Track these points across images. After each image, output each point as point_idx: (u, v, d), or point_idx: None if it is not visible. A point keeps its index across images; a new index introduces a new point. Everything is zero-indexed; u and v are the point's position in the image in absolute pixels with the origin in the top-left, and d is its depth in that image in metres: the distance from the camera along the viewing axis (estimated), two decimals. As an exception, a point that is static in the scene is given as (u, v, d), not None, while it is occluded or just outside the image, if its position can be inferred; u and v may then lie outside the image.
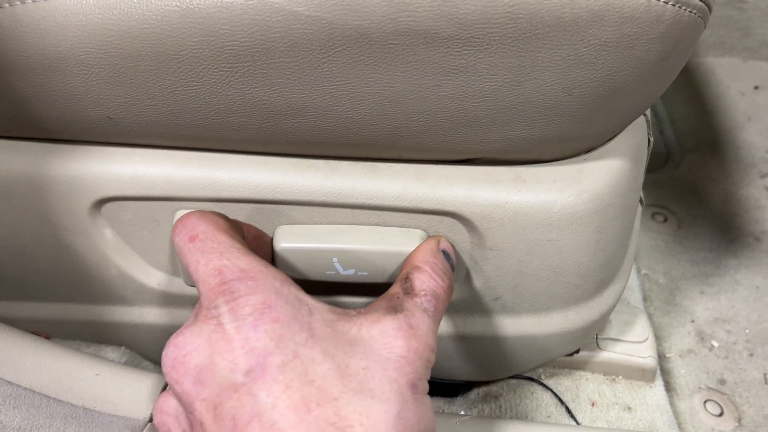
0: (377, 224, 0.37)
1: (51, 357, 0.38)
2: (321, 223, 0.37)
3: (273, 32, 0.30)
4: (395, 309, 0.30)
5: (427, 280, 0.32)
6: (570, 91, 0.32)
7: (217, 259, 0.29)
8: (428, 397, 0.28)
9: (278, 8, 0.30)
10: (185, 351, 0.27)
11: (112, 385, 0.38)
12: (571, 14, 0.29)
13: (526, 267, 0.38)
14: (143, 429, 0.35)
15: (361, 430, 0.24)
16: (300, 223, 0.37)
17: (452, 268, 0.34)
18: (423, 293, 0.31)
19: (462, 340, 0.42)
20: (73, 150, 0.37)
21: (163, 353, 0.28)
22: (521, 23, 0.29)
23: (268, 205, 0.37)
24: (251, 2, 0.30)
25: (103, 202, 0.38)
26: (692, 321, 0.62)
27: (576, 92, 0.32)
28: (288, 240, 0.36)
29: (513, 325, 0.41)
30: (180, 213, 0.37)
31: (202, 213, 0.32)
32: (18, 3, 0.32)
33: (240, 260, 0.29)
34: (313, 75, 0.31)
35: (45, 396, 0.35)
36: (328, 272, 0.36)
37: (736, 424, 0.54)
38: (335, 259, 0.36)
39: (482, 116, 0.33)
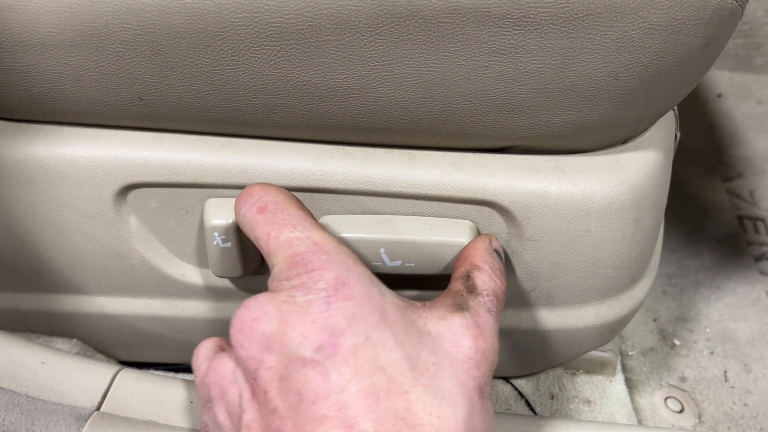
0: (414, 213, 0.36)
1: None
2: (356, 212, 0.36)
3: (321, 9, 0.29)
4: (461, 307, 0.29)
5: (488, 280, 0.31)
6: (616, 75, 0.31)
7: (289, 230, 0.28)
8: (490, 402, 0.27)
9: (327, -15, 0.29)
10: (255, 315, 0.26)
11: (57, 374, 0.37)
12: (623, -5, 0.28)
13: (563, 258, 0.37)
14: (89, 417, 0.34)
15: (431, 430, 0.23)
16: (335, 213, 0.36)
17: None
18: (486, 293, 0.30)
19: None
20: (98, 134, 0.36)
21: (234, 315, 0.27)
22: (574, 4, 0.29)
23: (303, 193, 0.36)
24: (298, -23, 0.29)
25: (129, 188, 0.37)
26: (654, 320, 0.63)
27: (621, 77, 0.31)
28: (333, 230, 0.35)
29: (547, 318, 0.40)
30: (211, 201, 0.36)
31: (268, 185, 0.32)
32: (52, -22, 0.31)
33: (313, 233, 0.28)
34: (358, 54, 0.31)
35: None
36: (374, 263, 0.35)
37: (697, 420, 0.55)
38: (382, 250, 0.35)
39: (526, 100, 0.32)
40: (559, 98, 0.32)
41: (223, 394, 0.27)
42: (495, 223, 0.36)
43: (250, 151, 0.36)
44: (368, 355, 0.24)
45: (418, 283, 0.39)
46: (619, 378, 0.54)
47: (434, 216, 0.36)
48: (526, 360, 0.44)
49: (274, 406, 0.24)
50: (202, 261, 0.40)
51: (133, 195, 0.37)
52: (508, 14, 0.29)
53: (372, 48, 0.30)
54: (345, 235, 0.35)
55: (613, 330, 0.42)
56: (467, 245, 0.34)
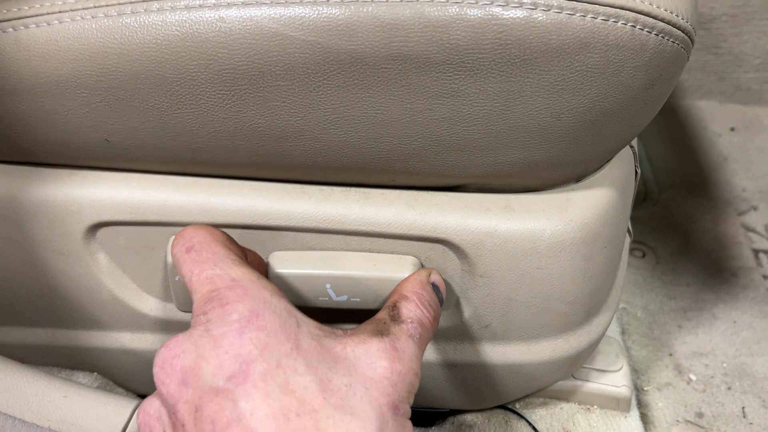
0: (369, 250, 0.37)
1: (17, 378, 0.38)
2: (314, 249, 0.37)
3: (270, 56, 0.31)
4: (381, 332, 0.30)
5: (414, 309, 0.32)
6: (558, 116, 0.33)
7: (209, 268, 0.29)
8: (409, 421, 0.28)
9: (275, 33, 0.31)
10: (174, 353, 0.27)
11: (79, 408, 0.38)
12: (558, 41, 0.30)
13: (516, 294, 0.38)
14: None
15: None
16: (293, 249, 0.38)
17: (441, 302, 0.35)
18: (410, 321, 0.31)
19: (451, 368, 0.42)
20: (69, 174, 0.38)
21: (156, 355, 0.28)
22: (510, 49, 0.30)
23: (262, 231, 0.37)
24: (249, 27, 0.31)
25: (98, 226, 0.38)
26: (670, 355, 0.62)
27: (564, 117, 0.33)
28: (282, 266, 0.36)
29: (502, 353, 0.41)
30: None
31: (200, 225, 0.33)
32: (22, 28, 0.33)
33: (232, 270, 0.29)
34: (308, 98, 0.32)
35: (10, 416, 0.35)
36: (321, 298, 0.36)
37: (714, 457, 0.54)
38: (328, 285, 0.36)
39: (473, 140, 0.33)
40: (504, 138, 0.33)
41: None
42: (448, 259, 0.37)
43: (212, 190, 0.37)
44: (279, 381, 0.25)
45: (366, 316, 0.40)
46: (635, 414, 0.53)
47: (390, 252, 0.37)
48: (483, 395, 0.45)
49: None
50: (167, 296, 0.41)
51: (101, 233, 0.38)
52: (447, 60, 0.30)
53: (320, 92, 0.32)
54: (292, 270, 0.36)
55: (571, 364, 0.43)
56: (404, 278, 0.35)
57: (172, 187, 0.37)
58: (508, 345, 0.40)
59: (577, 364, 0.44)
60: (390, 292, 0.35)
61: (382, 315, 0.32)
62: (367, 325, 0.31)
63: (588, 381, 0.50)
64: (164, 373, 0.27)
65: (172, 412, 0.27)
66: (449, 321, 0.39)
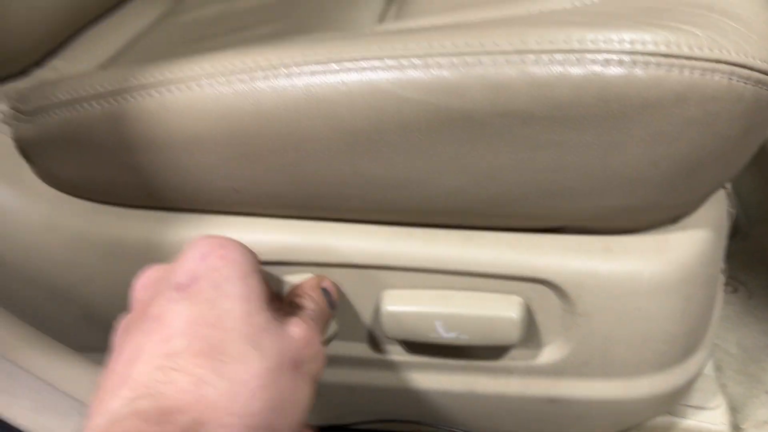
0: (472, 289, 0.40)
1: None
2: (421, 287, 0.40)
3: (386, 114, 0.34)
4: (292, 315, 0.34)
5: (311, 303, 0.36)
6: (656, 164, 0.34)
7: None
8: (308, 384, 0.31)
9: (391, 94, 0.34)
10: (151, 270, 0.34)
11: None
12: (656, 95, 0.32)
13: (615, 333, 0.39)
14: None
15: (232, 365, 0.27)
16: (402, 287, 0.40)
17: (332, 305, 0.38)
18: (310, 309, 0.36)
19: (551, 402, 0.43)
20: (199, 219, 0.42)
21: None
22: (610, 104, 0.32)
23: (373, 270, 0.40)
24: (367, 89, 0.34)
25: (222, 266, 0.42)
26: (767, 392, 0.61)
27: (661, 165, 0.34)
28: (394, 303, 0.39)
29: (601, 390, 0.42)
30: (289, 277, 0.41)
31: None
32: (165, 91, 0.37)
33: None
34: (419, 150, 0.35)
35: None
36: (431, 334, 0.39)
37: (812, 496, 0.52)
38: (438, 323, 0.38)
39: (573, 186, 0.35)
40: (603, 185, 0.35)
41: None
42: (549, 299, 0.39)
43: (327, 233, 0.40)
44: (210, 297, 0.30)
45: (473, 352, 0.42)
46: (731, 452, 0.52)
47: (492, 291, 0.39)
48: (583, 429, 0.46)
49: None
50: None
51: (226, 271, 0.42)
52: (550, 115, 0.33)
53: (431, 145, 0.35)
54: (404, 308, 0.39)
55: (668, 401, 0.43)
56: (300, 283, 0.39)
57: (291, 230, 0.41)
58: (607, 381, 0.42)
59: (675, 401, 0.44)
60: (497, 330, 0.38)
61: (286, 307, 0.35)
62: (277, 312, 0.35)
63: (685, 418, 0.50)
64: (137, 282, 0.33)
65: (129, 315, 0.32)
66: (549, 357, 0.41)
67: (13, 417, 0.33)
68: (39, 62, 0.62)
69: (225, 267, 0.31)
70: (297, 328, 0.32)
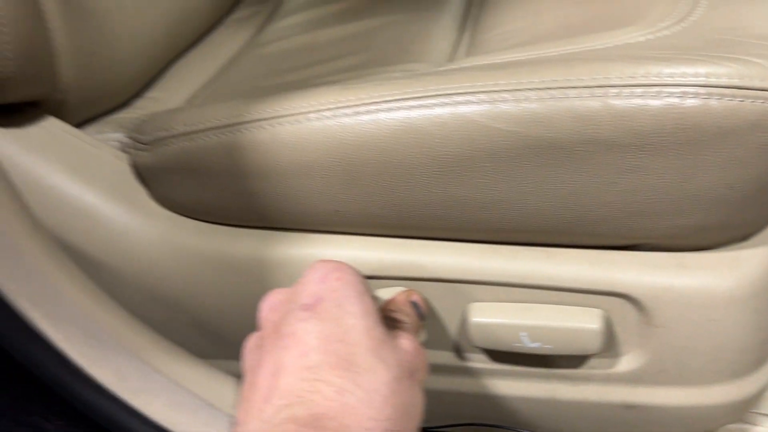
0: (554, 303, 0.43)
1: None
2: (505, 301, 0.43)
3: (477, 144, 0.38)
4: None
5: (406, 318, 0.39)
6: (731, 186, 0.37)
7: None
8: (421, 391, 0.34)
9: (483, 125, 0.38)
10: (275, 293, 0.38)
11: None
12: (731, 124, 0.35)
13: (690, 343, 0.42)
14: None
15: (364, 375, 0.31)
16: (486, 300, 0.44)
17: (422, 316, 0.41)
18: (407, 324, 0.39)
19: (628, 408, 0.46)
20: (301, 237, 0.46)
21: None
22: (688, 133, 0.35)
23: (460, 284, 0.44)
24: (461, 121, 0.38)
25: (322, 280, 0.46)
26: None
27: (736, 187, 0.37)
28: (481, 315, 0.43)
29: (676, 396, 0.44)
30: (382, 291, 0.45)
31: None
32: (277, 125, 0.41)
33: None
34: (507, 175, 0.39)
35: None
36: (515, 344, 0.42)
37: None
38: (523, 334, 0.42)
39: (652, 208, 0.38)
40: (680, 206, 0.38)
41: None
42: (627, 311, 0.42)
43: (418, 250, 0.44)
44: (335, 315, 0.33)
45: (555, 361, 0.45)
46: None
47: (572, 304, 0.43)
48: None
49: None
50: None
51: (324, 285, 0.46)
52: (632, 143, 0.36)
53: (519, 170, 0.38)
54: (490, 320, 0.42)
55: (741, 409, 0.45)
56: (391, 298, 0.42)
57: (385, 247, 0.45)
58: (682, 389, 0.44)
59: (746, 409, 0.46)
60: (579, 340, 0.41)
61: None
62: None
63: (756, 425, 0.52)
64: (264, 305, 0.37)
65: (260, 333, 0.35)
66: (627, 365, 0.44)
67: (152, 414, 0.38)
68: (138, 93, 0.68)
69: (343, 287, 0.35)
70: (405, 340, 0.35)
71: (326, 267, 0.36)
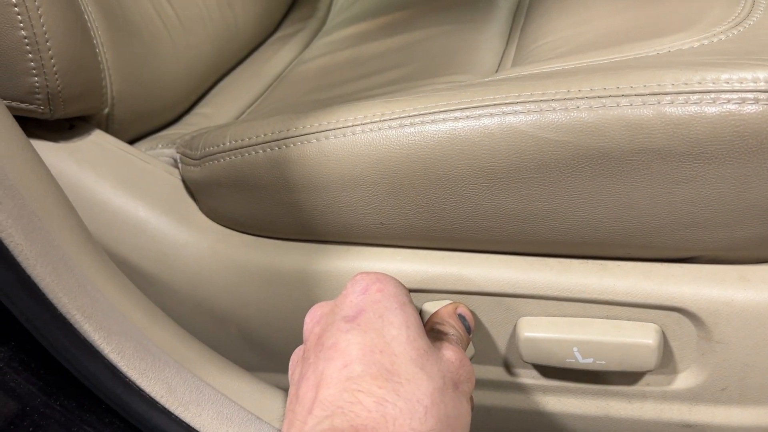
0: (607, 317, 0.41)
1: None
2: (555, 315, 0.42)
3: (526, 154, 0.37)
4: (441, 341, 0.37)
5: (451, 329, 0.39)
6: (794, 195, 0.35)
7: None
8: (467, 402, 0.34)
9: (531, 136, 0.37)
10: (318, 306, 0.38)
11: None
12: (793, 130, 0.33)
13: (753, 360, 0.40)
14: None
15: (406, 385, 0.30)
16: (536, 314, 0.43)
17: (469, 330, 0.41)
18: (452, 335, 0.38)
19: (686, 427, 0.44)
20: (347, 250, 0.46)
21: None
22: (747, 140, 0.34)
23: (508, 298, 0.43)
24: (508, 132, 0.37)
25: (368, 293, 0.46)
26: None
27: (799, 196, 0.35)
28: (531, 330, 0.42)
29: (738, 416, 0.42)
30: (427, 304, 0.44)
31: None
32: (323, 138, 0.42)
33: None
34: (556, 186, 0.38)
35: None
36: (568, 360, 0.41)
37: None
38: (575, 349, 0.40)
39: (709, 218, 0.37)
40: (739, 217, 0.37)
41: None
42: (684, 326, 0.40)
43: (465, 263, 0.43)
44: (377, 327, 0.33)
45: (609, 377, 0.43)
46: None
47: (626, 319, 0.41)
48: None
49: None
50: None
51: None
52: (687, 152, 0.35)
53: (568, 181, 0.37)
54: (541, 334, 0.41)
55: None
56: (437, 311, 0.41)
57: (431, 260, 0.44)
58: (744, 408, 0.42)
59: (815, 431, 0.44)
60: (634, 356, 0.39)
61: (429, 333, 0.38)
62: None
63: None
64: (308, 318, 0.37)
65: (304, 346, 0.35)
66: (685, 383, 0.42)
67: (200, 426, 0.38)
68: (189, 109, 0.69)
69: (384, 298, 0.35)
70: (449, 351, 0.35)
71: (367, 279, 0.36)
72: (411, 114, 0.40)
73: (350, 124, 0.41)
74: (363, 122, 0.41)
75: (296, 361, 0.36)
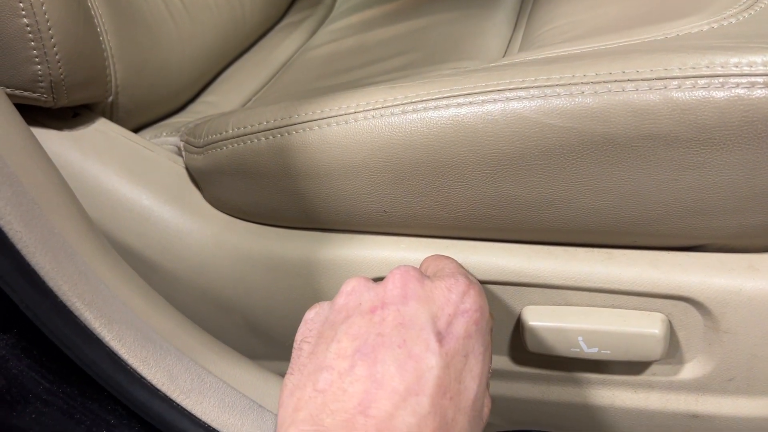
0: (613, 306, 0.41)
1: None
2: (560, 304, 0.42)
3: (530, 141, 0.37)
4: None
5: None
6: (804, 183, 0.34)
7: None
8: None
9: (535, 122, 0.36)
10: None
11: None
12: (804, 115, 0.32)
13: (761, 351, 0.39)
14: None
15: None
16: (541, 303, 0.42)
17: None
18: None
19: (692, 418, 0.43)
20: (350, 238, 0.46)
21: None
22: (756, 125, 0.33)
23: (512, 287, 0.42)
24: (512, 118, 0.37)
25: (372, 282, 0.46)
26: None
27: (810, 184, 0.34)
28: (535, 319, 0.41)
29: (745, 407, 0.42)
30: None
31: None
32: (325, 126, 0.41)
33: None
34: (561, 173, 0.37)
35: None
36: (573, 349, 0.40)
37: None
38: (580, 338, 0.40)
39: (717, 205, 0.36)
40: (747, 204, 0.36)
41: None
42: (691, 315, 0.40)
43: (469, 251, 0.43)
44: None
45: (612, 367, 0.43)
46: None
47: (632, 308, 0.41)
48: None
49: None
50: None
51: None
52: (694, 137, 0.34)
53: (574, 168, 0.37)
54: (546, 323, 0.41)
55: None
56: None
57: (434, 248, 0.44)
58: (752, 399, 0.41)
59: (824, 422, 0.43)
60: (639, 346, 0.39)
61: None
62: None
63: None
64: (398, 270, 0.33)
65: (348, 300, 0.33)
66: (692, 373, 0.42)
67: (202, 414, 0.38)
68: (194, 98, 0.69)
69: (477, 335, 0.32)
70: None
71: (471, 298, 0.32)
72: (414, 100, 0.39)
73: (352, 110, 0.41)
74: (365, 109, 0.40)
75: (318, 319, 0.34)
